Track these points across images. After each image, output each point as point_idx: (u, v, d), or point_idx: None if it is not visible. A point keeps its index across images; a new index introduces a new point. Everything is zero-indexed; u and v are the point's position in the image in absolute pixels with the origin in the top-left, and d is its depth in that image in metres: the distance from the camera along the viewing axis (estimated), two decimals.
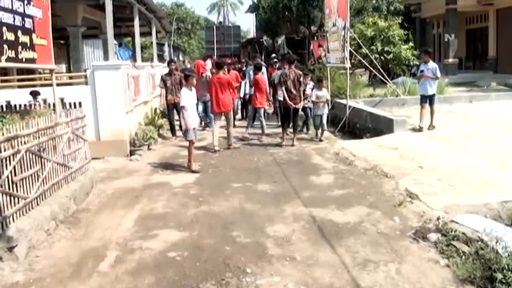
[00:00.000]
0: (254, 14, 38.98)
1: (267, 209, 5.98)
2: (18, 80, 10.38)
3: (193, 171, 8.07)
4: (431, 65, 10.60)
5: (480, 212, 5.24)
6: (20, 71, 10.95)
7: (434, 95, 10.60)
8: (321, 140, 10.48)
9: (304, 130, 11.70)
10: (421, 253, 4.47)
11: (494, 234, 4.31)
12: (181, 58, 43.98)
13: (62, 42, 17.95)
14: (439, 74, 10.61)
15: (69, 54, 16.52)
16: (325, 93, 10.83)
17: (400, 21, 17.51)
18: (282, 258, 4.53)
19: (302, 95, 10.06)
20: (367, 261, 4.36)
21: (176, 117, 11.31)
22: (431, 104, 10.53)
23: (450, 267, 4.14)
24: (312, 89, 10.92)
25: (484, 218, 5.01)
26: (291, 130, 10.34)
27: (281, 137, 10.30)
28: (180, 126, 9.51)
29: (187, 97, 8.24)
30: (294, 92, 9.85)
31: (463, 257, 4.22)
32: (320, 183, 7.15)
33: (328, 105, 11.05)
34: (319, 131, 10.81)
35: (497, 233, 4.32)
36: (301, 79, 9.93)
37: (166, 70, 12.69)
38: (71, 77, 11.60)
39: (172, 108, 11.41)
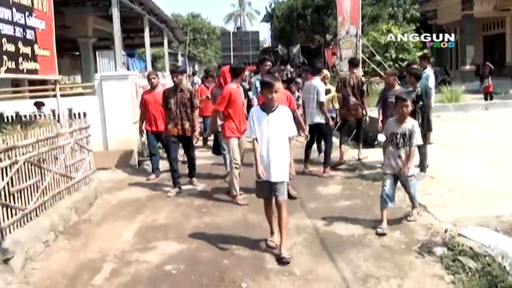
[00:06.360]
0: (269, 23, 39.01)
1: None
2: (30, 91, 10.47)
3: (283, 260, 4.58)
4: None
5: (491, 224, 5.02)
6: (33, 82, 11.05)
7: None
8: None
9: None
10: (425, 268, 4.29)
11: (502, 248, 4.10)
12: (196, 68, 44.27)
13: (77, 53, 18.20)
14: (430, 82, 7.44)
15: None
16: None
17: (414, 28, 17.28)
18: (280, 272, 4.39)
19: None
20: (368, 277, 4.19)
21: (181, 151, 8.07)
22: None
23: (455, 284, 3.95)
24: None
25: (494, 231, 4.79)
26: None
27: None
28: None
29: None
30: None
31: (469, 273, 4.01)
32: (327, 193, 7.01)
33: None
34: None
35: (505, 248, 4.11)
36: (364, 88, 8.51)
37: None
38: (84, 87, 11.69)
39: (176, 142, 7.34)
